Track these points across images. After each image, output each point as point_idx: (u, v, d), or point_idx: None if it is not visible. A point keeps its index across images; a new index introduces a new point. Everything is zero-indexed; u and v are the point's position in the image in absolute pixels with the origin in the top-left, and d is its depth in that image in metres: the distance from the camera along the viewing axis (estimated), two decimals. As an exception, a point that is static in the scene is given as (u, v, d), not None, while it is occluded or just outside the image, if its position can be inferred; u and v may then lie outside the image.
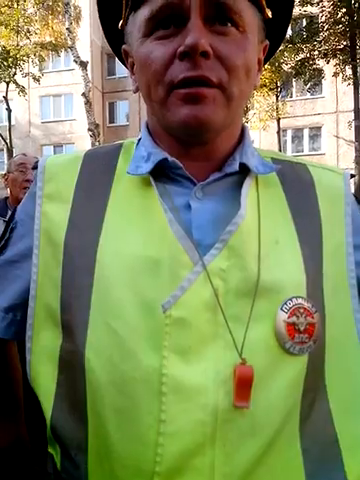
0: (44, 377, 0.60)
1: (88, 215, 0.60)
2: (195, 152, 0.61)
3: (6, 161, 15.51)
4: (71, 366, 0.57)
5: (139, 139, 0.67)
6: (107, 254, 0.57)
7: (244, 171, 0.61)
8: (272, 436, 0.53)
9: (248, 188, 0.60)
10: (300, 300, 0.55)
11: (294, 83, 17.31)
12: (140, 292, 0.54)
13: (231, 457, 0.51)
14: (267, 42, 0.64)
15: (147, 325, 0.53)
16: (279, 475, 0.54)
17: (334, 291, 0.60)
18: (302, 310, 0.55)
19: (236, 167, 0.60)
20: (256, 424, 0.52)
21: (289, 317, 0.54)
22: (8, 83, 14.97)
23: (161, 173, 0.60)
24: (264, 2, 0.58)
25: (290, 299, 0.55)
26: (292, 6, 0.65)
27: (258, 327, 0.54)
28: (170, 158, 0.59)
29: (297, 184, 0.65)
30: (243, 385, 0.51)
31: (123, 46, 0.65)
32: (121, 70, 20.87)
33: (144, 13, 0.56)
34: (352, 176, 0.71)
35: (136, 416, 0.52)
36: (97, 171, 0.64)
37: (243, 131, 0.66)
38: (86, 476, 0.56)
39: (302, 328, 0.54)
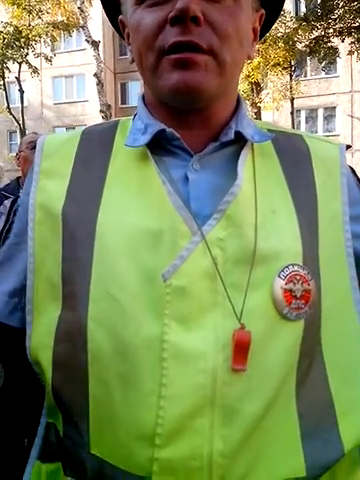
0: (44, 348, 0.61)
1: (86, 188, 0.61)
2: (191, 120, 0.61)
3: (19, 142, 15.55)
4: (70, 336, 0.58)
5: (135, 114, 0.68)
6: (107, 225, 0.58)
7: (240, 141, 0.62)
8: (269, 399, 0.54)
9: (244, 158, 0.61)
10: (296, 267, 0.57)
11: (308, 62, 16.92)
12: (140, 262, 0.56)
13: (230, 419, 0.53)
14: (263, 11, 0.64)
15: (148, 294, 0.55)
16: (276, 436, 0.56)
17: (330, 259, 0.61)
18: (298, 277, 0.56)
19: (232, 135, 0.61)
20: (253, 387, 0.54)
21: (286, 284, 0.56)
22: (20, 64, 14.92)
23: (158, 145, 0.61)
24: None
25: (287, 266, 0.56)
26: None
27: (256, 294, 0.55)
28: (167, 129, 0.59)
29: (293, 154, 0.65)
30: (241, 349, 0.53)
31: (119, 16, 0.65)
32: (133, 50, 20.56)
33: None
34: (348, 147, 0.71)
35: (138, 381, 0.54)
36: (95, 146, 0.65)
37: (238, 101, 0.66)
38: (89, 441, 0.57)
39: (298, 294, 0.56)
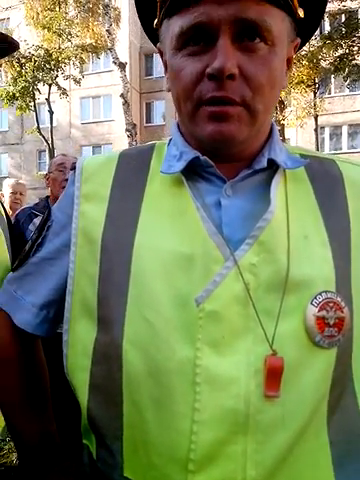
0: (79, 369, 0.63)
1: (124, 213, 0.63)
2: (224, 155, 0.62)
3: (48, 161, 15.92)
4: (107, 358, 0.60)
5: (170, 139, 0.69)
6: (143, 250, 0.59)
7: (273, 167, 0.62)
8: (301, 427, 0.54)
9: (277, 184, 0.61)
10: (330, 294, 0.57)
11: (333, 79, 16.85)
12: (174, 286, 0.57)
13: (263, 445, 0.53)
14: (298, 40, 0.65)
15: (181, 318, 0.55)
16: (308, 464, 0.55)
17: None
18: (332, 304, 0.56)
19: (264, 163, 0.62)
20: (286, 414, 0.54)
21: (319, 311, 0.56)
22: (50, 85, 15.38)
23: (192, 171, 0.62)
24: (296, 2, 0.58)
25: (320, 293, 0.56)
26: (325, 1, 0.65)
27: (288, 321, 0.55)
28: (202, 156, 0.61)
29: (326, 179, 0.65)
30: (273, 375, 0.53)
31: (158, 44, 0.67)
32: (158, 70, 21.00)
33: (176, 27, 0.58)
34: None
35: (171, 405, 0.54)
36: (132, 171, 0.67)
37: (272, 128, 0.67)
38: (122, 464, 0.58)
39: (332, 322, 0.55)
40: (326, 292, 0.57)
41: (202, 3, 0.55)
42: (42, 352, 0.80)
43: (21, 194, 3.42)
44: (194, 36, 0.57)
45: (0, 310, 0.72)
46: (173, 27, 0.59)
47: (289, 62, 0.65)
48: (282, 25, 0.58)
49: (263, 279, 0.56)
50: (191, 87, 0.58)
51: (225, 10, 0.54)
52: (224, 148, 0.60)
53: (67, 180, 0.73)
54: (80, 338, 0.64)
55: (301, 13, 0.60)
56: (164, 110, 21.41)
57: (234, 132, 0.58)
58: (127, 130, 10.46)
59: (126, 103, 10.52)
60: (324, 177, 0.66)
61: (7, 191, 3.35)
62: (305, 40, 0.69)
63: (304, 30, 0.65)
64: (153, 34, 0.68)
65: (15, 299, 0.71)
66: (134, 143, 10.28)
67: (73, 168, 0.70)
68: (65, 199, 0.71)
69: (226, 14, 0.54)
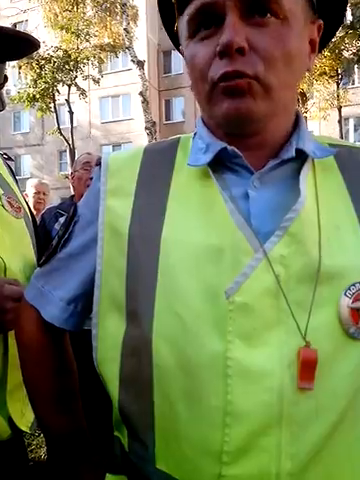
0: (110, 362, 0.63)
1: (150, 206, 0.63)
2: (248, 143, 0.62)
3: (69, 161, 16.14)
4: (136, 351, 0.60)
5: (195, 133, 0.69)
6: (171, 243, 0.59)
7: (301, 157, 0.61)
8: (337, 419, 0.53)
9: (306, 174, 0.60)
10: None
11: (356, 70, 16.52)
12: (204, 279, 0.56)
13: (297, 438, 0.52)
14: (320, 21, 0.63)
15: (211, 311, 0.55)
16: (345, 456, 0.55)
17: None
18: None
19: (293, 153, 0.61)
20: (320, 407, 0.53)
21: (353, 302, 0.55)
22: (69, 86, 15.57)
23: (219, 164, 0.62)
24: None
25: (353, 284, 0.55)
26: None
27: (321, 312, 0.54)
28: (229, 147, 0.60)
29: (356, 168, 0.64)
30: (307, 367, 0.52)
31: (180, 47, 0.68)
32: (177, 67, 21.03)
33: (186, 17, 0.59)
34: None
35: (203, 398, 0.54)
36: (157, 165, 0.67)
37: (298, 118, 0.66)
38: (154, 456, 0.58)
39: None
40: None
41: None
42: (70, 347, 0.81)
43: (44, 194, 3.47)
44: (204, 21, 0.57)
45: (29, 305, 0.73)
46: (184, 18, 0.59)
47: (313, 44, 0.63)
48: (295, 1, 0.57)
49: (294, 271, 0.56)
50: (205, 69, 0.58)
51: None
52: (243, 125, 0.59)
53: (92, 179, 0.73)
54: (110, 332, 0.64)
55: None
56: (183, 107, 21.43)
57: (250, 107, 0.57)
58: (147, 128, 10.50)
59: (145, 101, 10.55)
60: (354, 166, 0.64)
61: (31, 191, 3.41)
62: (333, 28, 0.68)
63: (329, 20, 0.64)
64: (177, 39, 0.68)
65: (43, 294, 0.72)
66: (154, 141, 10.30)
67: (98, 164, 0.71)
68: (91, 195, 0.71)
69: None
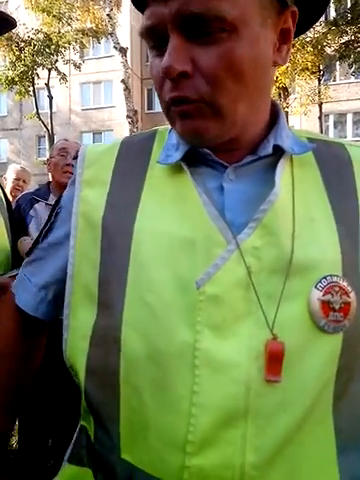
0: (78, 353, 0.63)
1: (125, 198, 0.63)
2: (219, 147, 0.60)
3: (48, 147, 15.89)
4: (105, 341, 0.59)
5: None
6: (143, 233, 0.59)
7: (279, 153, 0.61)
8: (304, 412, 0.53)
9: (282, 168, 0.60)
10: (335, 278, 0.55)
11: (338, 66, 16.69)
12: (175, 270, 0.56)
13: (263, 430, 0.52)
14: (293, 8, 0.58)
15: (181, 301, 0.55)
16: (311, 450, 0.54)
17: None
18: (337, 289, 0.55)
19: (270, 150, 0.60)
20: (288, 399, 0.53)
21: (324, 295, 0.54)
22: (50, 70, 15.27)
23: (194, 157, 0.61)
24: None
25: (325, 277, 0.55)
26: None
27: (291, 305, 0.54)
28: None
29: (333, 162, 0.64)
30: (274, 359, 0.52)
31: None
32: (160, 56, 20.77)
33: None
34: None
35: (170, 387, 0.54)
36: (133, 157, 0.67)
37: (277, 113, 0.65)
38: (119, 446, 0.58)
39: (337, 307, 0.54)
40: (332, 276, 0.55)
41: (150, 4, 0.54)
42: (43, 351, 0.82)
43: (24, 182, 3.40)
44: (155, 40, 0.56)
45: (11, 294, 0.76)
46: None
47: (285, 34, 0.59)
48: (245, 1, 0.53)
49: (266, 262, 0.55)
50: (158, 88, 0.58)
51: (169, 8, 0.52)
52: (200, 143, 0.59)
53: (68, 165, 0.74)
54: (81, 323, 0.63)
55: None
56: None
57: (199, 129, 0.56)
58: (128, 116, 10.40)
59: (127, 89, 10.44)
60: (332, 160, 0.64)
61: (11, 176, 3.33)
62: (311, 22, 0.66)
63: (310, 12, 0.62)
64: None
65: (22, 281, 0.75)
66: (135, 130, 10.22)
67: (76, 157, 0.71)
68: (70, 186, 0.72)
69: (169, 12, 0.52)
